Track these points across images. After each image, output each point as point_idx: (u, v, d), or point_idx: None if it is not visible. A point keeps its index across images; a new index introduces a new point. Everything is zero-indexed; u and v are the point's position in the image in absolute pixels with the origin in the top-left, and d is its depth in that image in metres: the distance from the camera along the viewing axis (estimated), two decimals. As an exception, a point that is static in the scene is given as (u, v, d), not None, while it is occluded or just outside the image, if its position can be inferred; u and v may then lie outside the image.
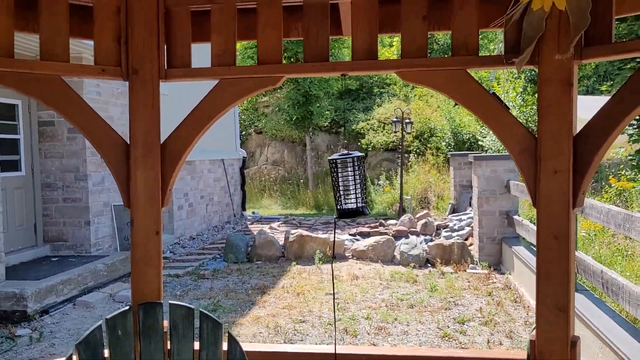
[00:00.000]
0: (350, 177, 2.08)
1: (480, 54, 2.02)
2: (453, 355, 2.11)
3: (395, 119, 14.07)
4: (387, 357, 2.08)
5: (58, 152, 8.22)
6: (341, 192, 2.07)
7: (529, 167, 1.95)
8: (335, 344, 2.06)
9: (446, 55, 2.03)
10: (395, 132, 15.48)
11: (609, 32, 1.83)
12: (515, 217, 8.27)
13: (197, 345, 2.06)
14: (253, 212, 15.57)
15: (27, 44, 6.85)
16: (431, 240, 9.69)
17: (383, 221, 12.14)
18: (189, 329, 2.04)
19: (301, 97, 17.24)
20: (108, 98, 8.53)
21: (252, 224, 13.75)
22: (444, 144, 16.01)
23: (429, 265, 8.96)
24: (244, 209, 14.84)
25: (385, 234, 10.64)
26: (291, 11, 2.21)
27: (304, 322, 6.29)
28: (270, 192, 18.74)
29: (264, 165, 20.70)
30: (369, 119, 18.90)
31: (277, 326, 6.08)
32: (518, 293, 7.17)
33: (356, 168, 2.07)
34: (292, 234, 9.65)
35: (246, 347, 2.06)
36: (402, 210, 13.56)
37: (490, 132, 13.68)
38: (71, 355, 1.95)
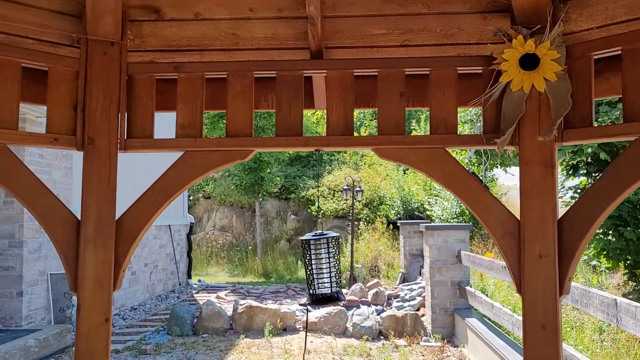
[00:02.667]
0: (324, 258, 1.94)
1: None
2: None
3: (345, 187, 14.13)
4: None
5: (-8, 216, 7.68)
6: (314, 276, 1.91)
7: (513, 251, 1.86)
8: None
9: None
10: (345, 199, 15.51)
11: (589, 115, 1.83)
12: (468, 287, 8.24)
13: None
14: (199, 280, 14.99)
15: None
16: (383, 311, 9.49)
17: (334, 290, 11.89)
18: None
19: (252, 163, 17.15)
20: (51, 161, 8.13)
21: (198, 292, 13.18)
22: (393, 212, 16.13)
23: (382, 337, 8.73)
24: (189, 276, 14.26)
25: (336, 304, 10.42)
26: (263, 82, 2.12)
27: (254, 402, 5.89)
28: (218, 259, 18.19)
29: (211, 231, 20.19)
30: (319, 186, 18.94)
31: (225, 408, 5.66)
32: (473, 367, 7.03)
33: (331, 249, 1.94)
34: (240, 304, 9.26)
35: None
36: (352, 279, 13.38)
37: (437, 201, 13.93)
38: None
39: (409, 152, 1.97)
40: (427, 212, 14.46)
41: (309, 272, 1.91)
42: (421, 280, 10.94)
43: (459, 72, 2.00)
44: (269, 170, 17.91)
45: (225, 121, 2.08)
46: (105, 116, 1.99)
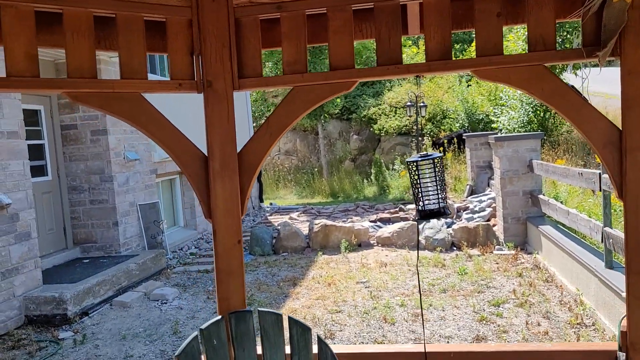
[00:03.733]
0: (429, 177, 2.09)
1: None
2: (541, 349, 2.14)
3: (409, 103, 14.00)
4: (474, 353, 2.11)
5: (82, 154, 8.26)
6: (422, 193, 2.08)
7: (614, 160, 1.95)
8: (424, 342, 2.09)
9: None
10: (409, 116, 15.39)
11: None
12: (541, 196, 8.26)
13: (288, 350, 2.09)
14: (271, 204, 15.62)
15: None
16: (453, 223, 9.70)
17: (402, 206, 12.15)
18: (279, 334, 2.07)
19: (311, 85, 17.16)
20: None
21: (271, 215, 13.80)
22: (457, 125, 15.93)
23: (455, 248, 8.98)
24: (261, 200, 14.89)
25: (406, 219, 10.68)
26: (361, 13, 2.20)
27: (339, 312, 6.33)
28: (285, 182, 18.76)
29: (277, 156, 20.71)
30: (380, 104, 18.81)
31: (315, 317, 6.13)
32: (549, 272, 7.18)
33: (436, 169, 2.08)
34: (315, 224, 9.69)
35: (336, 349, 2.09)
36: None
37: (504, 111, 13.61)
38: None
39: (508, 72, 2.04)
40: (493, 124, 14.19)
41: (417, 191, 2.08)
42: (490, 191, 10.98)
43: (556, -15, 2.01)
44: (329, 92, 17.92)
45: (325, 56, 2.20)
46: (219, 59, 2.16)
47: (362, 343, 5.38)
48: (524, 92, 2.05)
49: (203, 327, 2.01)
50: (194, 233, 10.81)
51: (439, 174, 2.09)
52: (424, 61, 2.11)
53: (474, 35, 2.07)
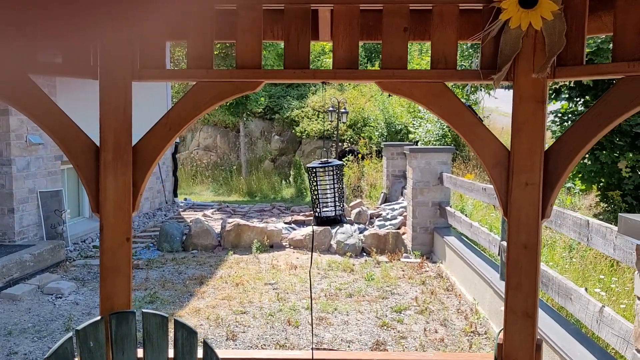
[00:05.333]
0: (328, 184, 2.10)
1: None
2: (424, 359, 2.20)
3: (331, 108, 14.17)
4: (361, 361, 2.14)
5: (-22, 135, 7.67)
6: (320, 200, 2.07)
7: (502, 180, 2.04)
8: (312, 349, 2.09)
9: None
10: (330, 121, 15.59)
11: (581, 53, 1.95)
12: (448, 208, 8.60)
13: (171, 353, 2.02)
14: (185, 199, 15.24)
15: None
16: (365, 229, 9.88)
17: (318, 209, 12.24)
18: (163, 337, 1.99)
19: (235, 82, 16.94)
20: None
21: (184, 211, 13.46)
22: (377, 133, 16.30)
23: (365, 254, 9.15)
24: (175, 195, 14.49)
25: (321, 222, 10.76)
26: (273, 14, 2.18)
27: (244, 313, 6.27)
28: (202, 178, 18.39)
29: (195, 150, 20.25)
30: (304, 107, 18.90)
31: (218, 318, 6.03)
32: (450, 282, 7.48)
33: (335, 176, 2.09)
34: (228, 222, 9.55)
35: (222, 354, 2.04)
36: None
37: (421, 124, 14.09)
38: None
39: (410, 86, 2.08)
40: (411, 135, 14.65)
41: (314, 197, 2.08)
42: (402, 200, 11.31)
43: (460, 8, 2.08)
44: (253, 90, 17.76)
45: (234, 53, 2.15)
46: (118, 46, 2.05)
47: (264, 345, 5.35)
48: (424, 107, 2.10)
49: (79, 327, 1.89)
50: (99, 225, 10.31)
51: (338, 182, 2.10)
52: (331, 68, 2.11)
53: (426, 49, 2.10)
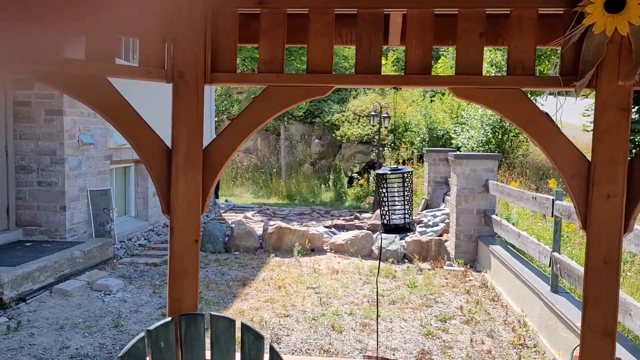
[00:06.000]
0: (396, 192, 2.06)
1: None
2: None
3: (373, 113, 14.10)
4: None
5: (34, 133, 7.91)
6: (388, 207, 2.04)
7: (581, 191, 1.96)
8: (377, 358, 2.05)
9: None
10: (372, 125, 15.52)
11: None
12: (494, 216, 8.42)
13: (238, 357, 2.01)
14: (226, 200, 15.41)
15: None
16: (406, 236, 9.76)
17: (358, 214, 12.18)
18: (231, 341, 1.99)
19: (277, 85, 17.07)
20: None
21: (225, 212, 13.60)
22: (418, 139, 16.15)
23: (407, 260, 9.05)
24: (217, 196, 14.68)
25: (361, 227, 10.69)
26: (343, 18, 2.16)
27: (287, 316, 6.26)
28: (243, 180, 18.57)
29: (236, 153, 20.46)
30: (344, 111, 18.88)
31: (262, 320, 6.04)
32: (495, 292, 7.32)
33: (405, 183, 2.05)
34: (270, 225, 9.59)
35: (287, 359, 2.03)
36: (376, 204, 13.64)
37: (464, 130, 13.87)
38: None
39: (485, 92, 2.03)
40: (453, 141, 14.44)
41: (383, 203, 2.04)
42: (444, 207, 11.14)
43: (539, 12, 2.02)
44: (294, 93, 17.85)
45: (303, 58, 2.14)
46: (191, 50, 2.07)
47: (309, 350, 5.33)
48: (498, 114, 2.04)
49: (151, 328, 1.91)
50: (144, 224, 10.52)
51: (407, 189, 2.06)
52: (402, 73, 2.08)
53: (441, 52, 2.05)
